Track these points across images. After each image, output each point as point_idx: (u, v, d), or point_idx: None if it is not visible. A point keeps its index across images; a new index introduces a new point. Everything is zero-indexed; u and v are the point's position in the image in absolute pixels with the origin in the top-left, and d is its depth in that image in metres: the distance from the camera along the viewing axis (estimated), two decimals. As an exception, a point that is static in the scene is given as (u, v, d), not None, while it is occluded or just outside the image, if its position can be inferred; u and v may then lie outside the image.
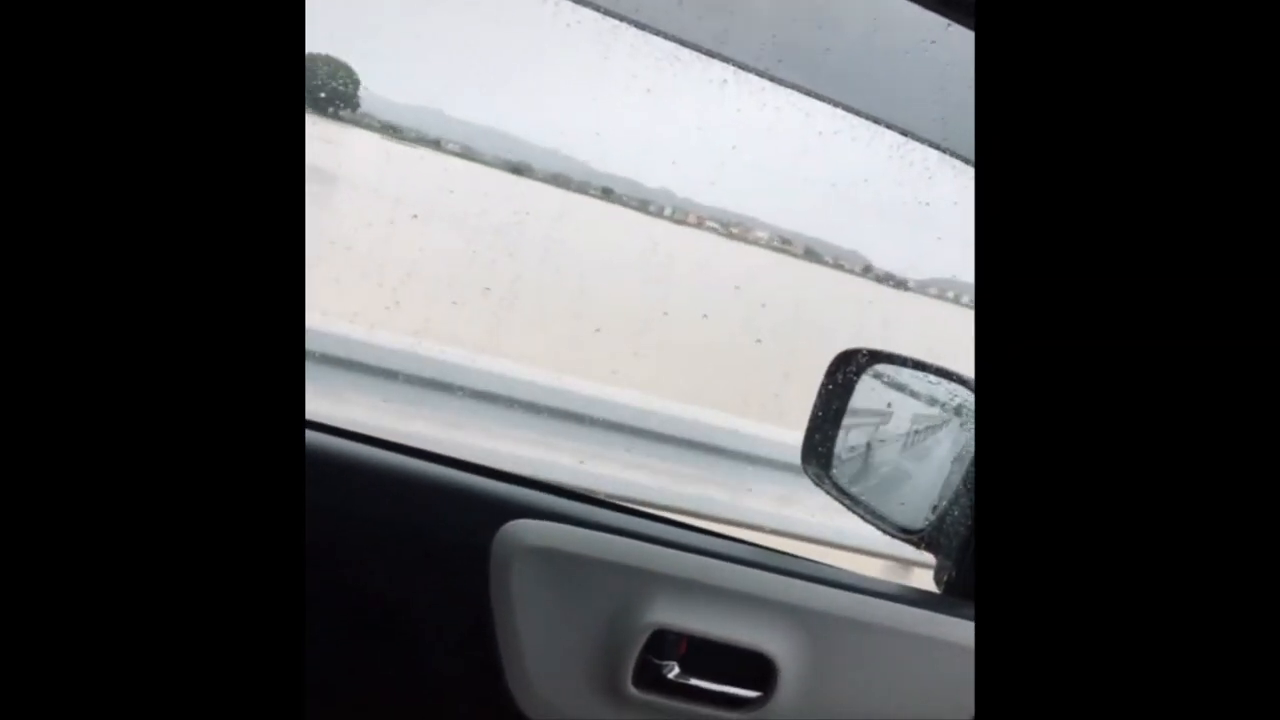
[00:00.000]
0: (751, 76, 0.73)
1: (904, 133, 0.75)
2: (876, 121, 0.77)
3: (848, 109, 0.77)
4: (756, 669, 0.81)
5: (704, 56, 0.71)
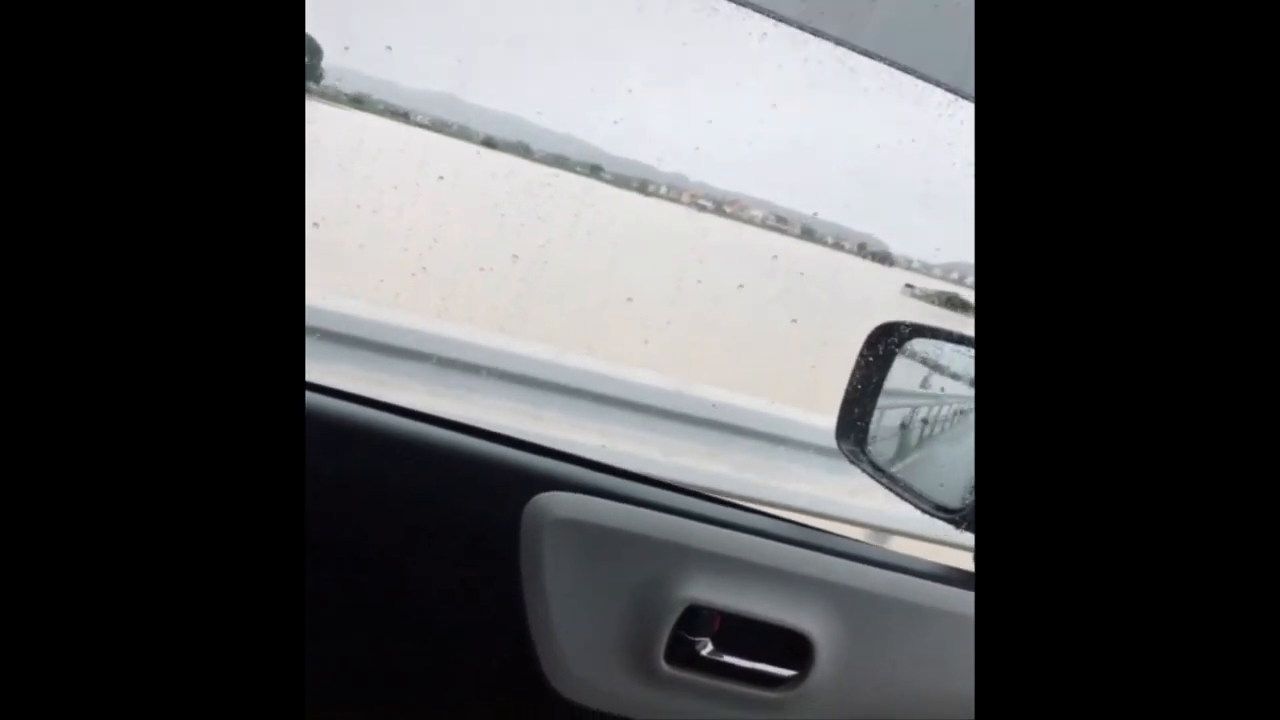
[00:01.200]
0: (792, 29, 0.69)
1: (953, 90, 0.72)
2: (924, 78, 0.74)
3: (894, 64, 0.74)
4: (792, 647, 0.80)
5: (742, 8, 0.68)
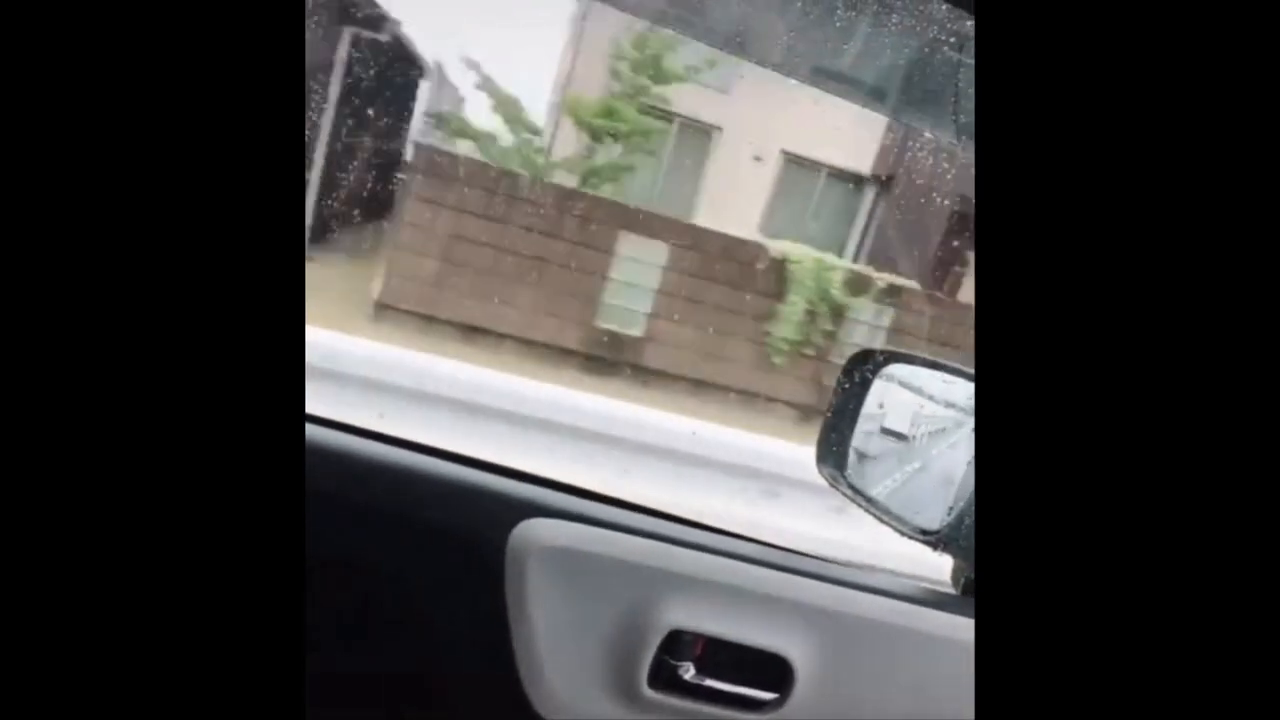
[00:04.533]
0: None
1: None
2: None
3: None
4: (773, 671, 0.81)
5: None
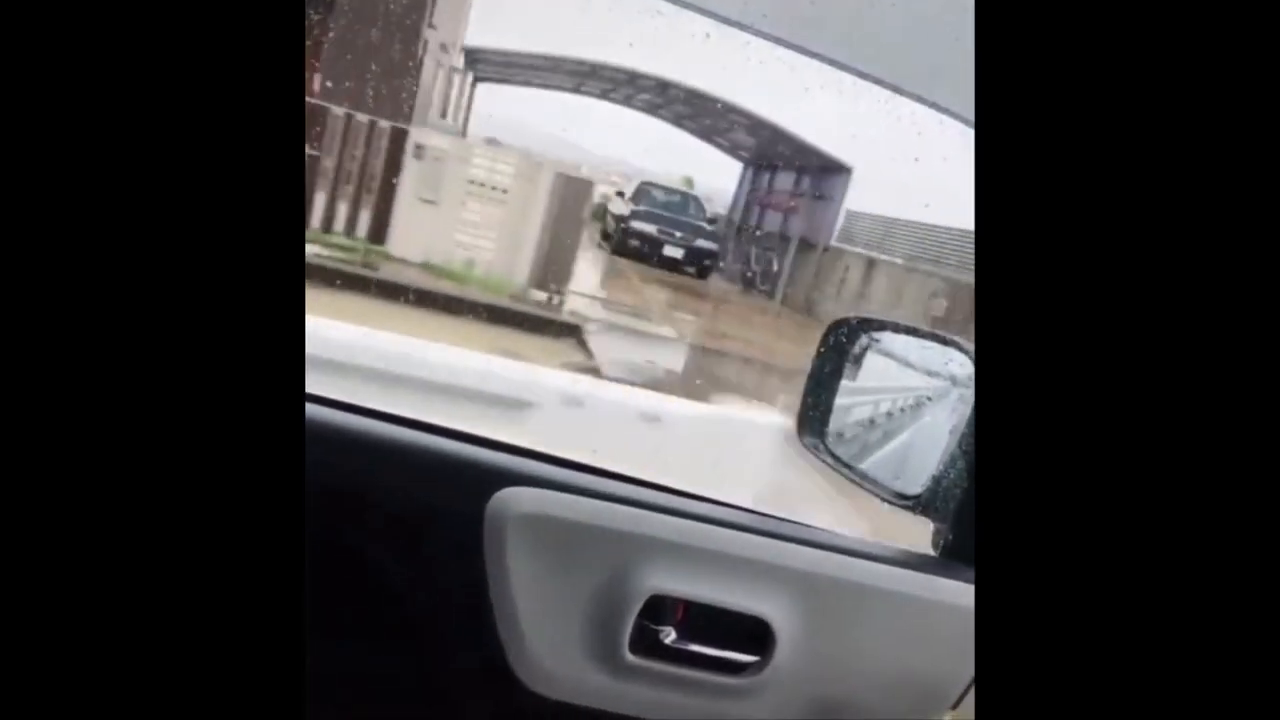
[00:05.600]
0: (734, 30, 0.72)
1: (893, 88, 0.75)
2: (863, 76, 0.76)
3: (834, 64, 0.77)
4: (754, 633, 0.81)
5: (684, 9, 0.70)
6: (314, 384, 0.72)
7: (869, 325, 1.01)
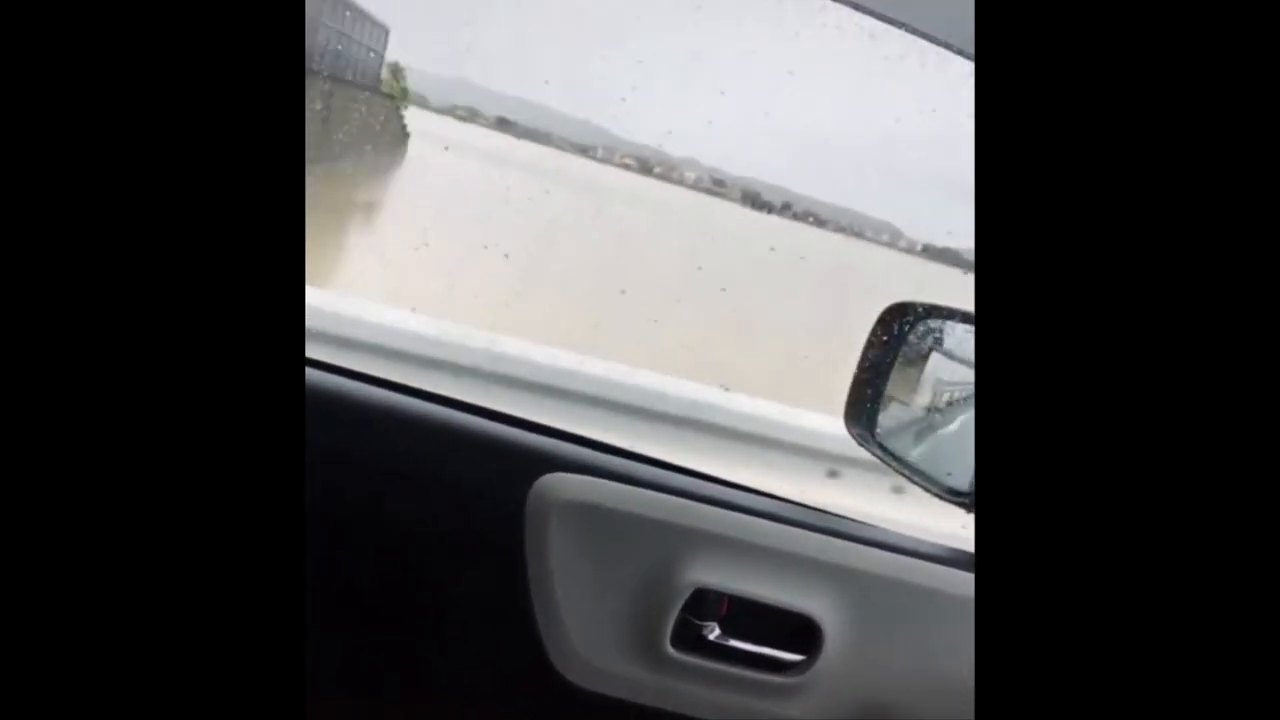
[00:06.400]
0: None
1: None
2: (947, 46, 0.71)
3: (915, 31, 0.72)
4: (800, 631, 0.78)
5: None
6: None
7: (934, 312, 0.96)
